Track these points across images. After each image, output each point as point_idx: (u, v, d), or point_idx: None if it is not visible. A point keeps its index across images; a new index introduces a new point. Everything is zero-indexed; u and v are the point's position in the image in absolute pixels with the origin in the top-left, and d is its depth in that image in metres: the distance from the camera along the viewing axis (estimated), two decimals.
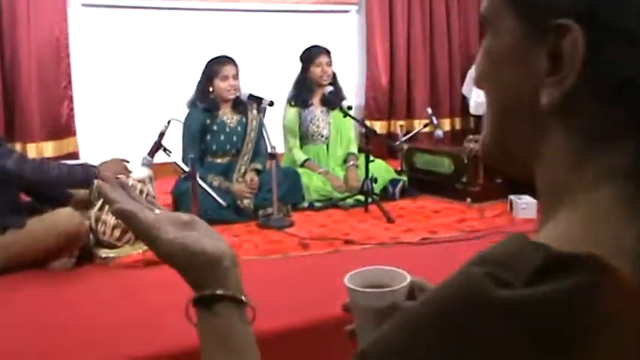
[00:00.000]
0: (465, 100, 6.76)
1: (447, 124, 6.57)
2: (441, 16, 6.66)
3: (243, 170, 4.22)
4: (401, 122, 6.46)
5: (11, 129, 5.01)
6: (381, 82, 6.45)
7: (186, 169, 3.44)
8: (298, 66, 4.76)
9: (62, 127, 5.27)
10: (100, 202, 3.27)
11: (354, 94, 5.97)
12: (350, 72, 6.19)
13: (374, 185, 4.28)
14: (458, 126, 6.87)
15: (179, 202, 4.02)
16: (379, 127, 6.40)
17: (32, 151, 4.99)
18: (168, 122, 3.56)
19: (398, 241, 3.61)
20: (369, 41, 6.41)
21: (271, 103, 4.01)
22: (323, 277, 2.85)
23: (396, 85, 6.52)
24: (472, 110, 6.59)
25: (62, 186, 3.27)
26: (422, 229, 3.85)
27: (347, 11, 6.44)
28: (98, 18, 5.42)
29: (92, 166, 3.32)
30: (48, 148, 5.18)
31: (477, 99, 6.51)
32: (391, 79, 6.51)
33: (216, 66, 4.17)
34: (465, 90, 6.73)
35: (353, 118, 4.46)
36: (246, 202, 4.07)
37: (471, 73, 6.61)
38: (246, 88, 4.21)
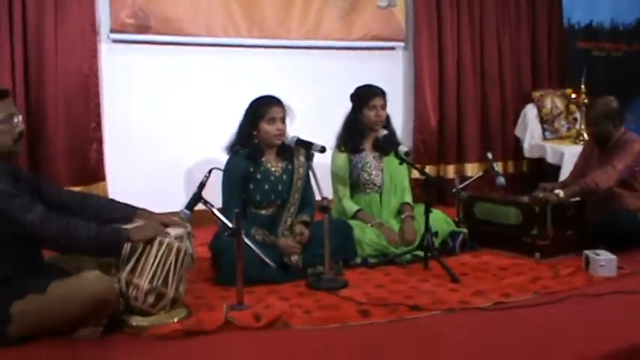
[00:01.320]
0: (518, 142, 6.48)
1: (499, 167, 6.22)
2: (493, 52, 6.41)
3: (289, 223, 3.97)
4: (450, 166, 6.30)
5: (36, 172, 4.72)
6: (430, 122, 6.21)
7: (230, 225, 3.11)
8: (342, 106, 4.55)
9: (90, 172, 5.05)
10: (131, 263, 2.94)
11: (400, 136, 5.68)
12: (396, 112, 5.92)
13: (434, 239, 4.06)
14: (511, 169, 6.58)
15: (219, 258, 3.78)
16: (428, 171, 6.08)
17: None
18: (209, 172, 3.31)
19: (468, 306, 3.31)
20: (416, 79, 6.18)
21: (323, 149, 3.76)
22: (389, 352, 2.71)
23: (445, 126, 6.28)
24: (526, 153, 6.35)
25: (87, 251, 2.92)
26: (492, 291, 3.54)
27: (393, 48, 6.19)
28: (130, 55, 5.21)
29: (124, 229, 2.97)
30: None
31: (530, 141, 6.25)
32: (440, 119, 6.28)
33: (263, 107, 3.94)
34: (518, 131, 6.47)
35: (411, 165, 4.27)
36: (294, 258, 3.82)
37: (525, 113, 6.33)
38: (290, 131, 4.04)
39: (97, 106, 5.05)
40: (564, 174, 5.24)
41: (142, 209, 3.23)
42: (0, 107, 2.80)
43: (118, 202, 3.26)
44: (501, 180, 4.65)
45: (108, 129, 5.15)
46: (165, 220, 3.13)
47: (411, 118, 6.26)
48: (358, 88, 4.51)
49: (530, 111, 6.35)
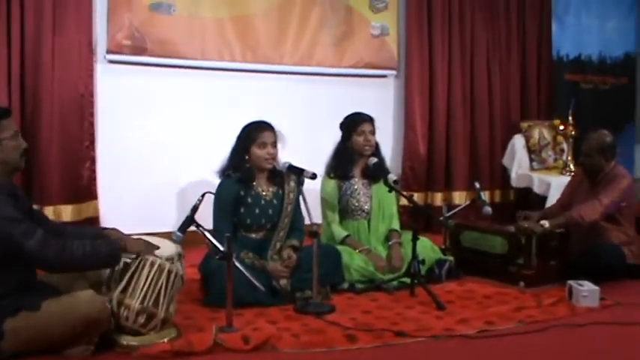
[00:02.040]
0: (505, 172, 6.55)
1: (486, 196, 6.27)
2: (483, 82, 6.51)
3: (278, 247, 4.02)
4: (438, 194, 6.35)
5: (29, 190, 4.80)
6: (419, 150, 6.28)
7: (222, 248, 3.17)
8: (333, 131, 4.60)
9: (82, 190, 5.07)
10: (123, 283, 2.99)
11: (390, 163, 5.74)
12: (386, 139, 5.99)
13: (421, 266, 4.09)
14: (498, 198, 6.65)
15: (209, 280, 3.81)
16: (416, 199, 6.11)
17: (50, 214, 4.74)
18: (202, 196, 3.36)
19: (453, 334, 3.37)
20: (407, 107, 6.26)
21: (314, 176, 3.80)
22: None
23: (434, 154, 6.35)
24: (513, 182, 6.40)
25: (87, 268, 2.98)
26: (477, 319, 3.59)
27: (385, 76, 6.28)
28: (126, 75, 5.26)
29: (117, 240, 3.03)
30: (67, 212, 4.97)
31: (518, 171, 6.32)
32: (430, 147, 6.35)
33: (254, 132, 3.99)
34: (505, 161, 6.54)
35: (400, 193, 4.28)
36: (282, 282, 3.87)
37: (513, 143, 6.41)
38: (281, 156, 4.08)
39: (91, 125, 5.08)
40: (550, 204, 5.29)
41: (113, 229, 3.29)
42: (7, 125, 2.88)
43: (85, 228, 3.32)
44: (488, 209, 4.71)
45: (101, 148, 5.17)
46: (151, 242, 3.18)
47: (400, 145, 6.32)
48: (347, 117, 4.57)
49: (518, 141, 6.43)
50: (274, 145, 4.00)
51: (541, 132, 6.49)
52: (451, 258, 4.52)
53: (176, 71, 5.40)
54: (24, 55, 4.80)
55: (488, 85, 6.54)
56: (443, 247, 4.76)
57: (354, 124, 4.48)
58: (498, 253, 4.42)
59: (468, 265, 4.54)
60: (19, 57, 4.77)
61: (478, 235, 4.60)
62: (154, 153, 5.36)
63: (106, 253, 2.91)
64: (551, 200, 5.47)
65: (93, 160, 5.12)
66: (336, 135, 4.59)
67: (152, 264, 3.01)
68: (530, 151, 6.42)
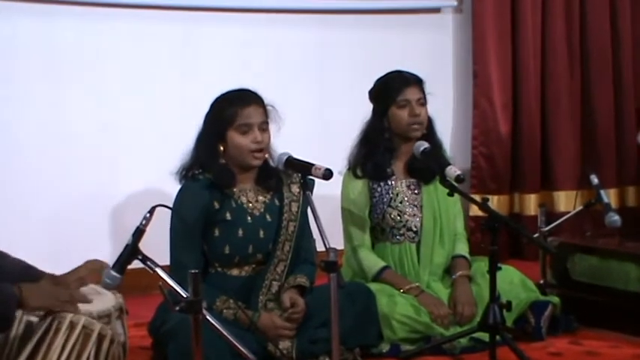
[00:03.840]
0: None
1: (612, 197, 6.26)
2: (603, 24, 6.52)
3: (275, 289, 4.02)
4: (531, 197, 6.35)
5: None
6: (499, 128, 6.30)
7: (183, 293, 3.14)
8: (357, 107, 4.63)
9: None
10: (25, 355, 2.97)
11: (450, 150, 5.71)
12: (444, 113, 5.95)
13: (505, 314, 4.06)
14: (631, 200, 6.70)
15: (165, 346, 3.77)
16: (495, 205, 6.15)
17: None
18: (151, 211, 3.27)
19: None
20: (476, 61, 6.28)
21: (327, 174, 3.72)
22: None
23: (522, 135, 6.38)
24: None
25: None
26: None
27: (438, 9, 6.32)
28: (17, 17, 5.25)
29: (10, 289, 3.03)
30: None
31: None
32: (515, 124, 6.39)
33: (231, 108, 3.97)
34: None
35: (467, 197, 4.33)
36: (283, 345, 3.87)
37: None
38: (279, 147, 4.06)
39: None
40: None
41: (51, 275, 3.31)
42: None
43: (28, 265, 3.34)
44: (614, 218, 4.68)
45: None
46: (77, 291, 3.18)
47: (467, 121, 6.36)
48: (380, 80, 4.57)
49: None
50: (264, 127, 3.99)
51: None
52: (556, 299, 4.50)
53: (103, 12, 5.42)
54: None
55: (611, 23, 6.55)
56: (541, 281, 4.76)
57: (394, 90, 4.47)
58: (635, 290, 4.41)
59: (584, 310, 4.54)
60: None
61: (599, 262, 4.60)
62: (71, 148, 5.37)
63: None
64: None
65: None
66: (364, 110, 4.60)
67: (72, 325, 2.99)
68: None
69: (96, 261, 3.34)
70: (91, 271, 3.28)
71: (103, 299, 3.16)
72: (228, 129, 3.96)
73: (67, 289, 3.16)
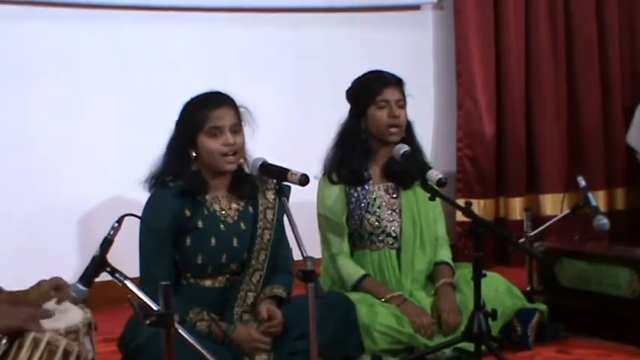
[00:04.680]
0: (631, 157, 6.61)
1: (600, 199, 6.32)
2: (587, 15, 6.59)
3: (250, 300, 4.06)
4: (516, 200, 6.39)
5: None
6: (483, 129, 6.35)
7: (154, 306, 3.18)
8: (333, 108, 4.67)
9: None
10: None
11: (431, 153, 5.79)
12: (424, 113, 6.07)
13: (490, 323, 4.10)
14: (620, 203, 6.75)
15: None
16: (479, 209, 6.25)
17: None
18: (120, 221, 3.29)
19: None
20: (459, 59, 6.33)
21: (303, 180, 3.74)
22: None
23: (507, 135, 6.44)
24: None
25: None
26: None
27: (418, 7, 6.38)
28: None
29: None
30: None
31: None
32: (500, 123, 6.44)
33: (201, 111, 4.01)
34: (631, 138, 6.52)
35: (449, 201, 4.37)
36: (260, 358, 3.90)
37: None
38: (253, 152, 4.09)
39: None
40: None
41: (9, 292, 3.34)
42: None
43: None
44: (603, 221, 4.73)
45: None
46: (39, 308, 3.19)
47: (450, 123, 6.42)
48: (358, 80, 4.62)
49: None
50: (236, 130, 4.02)
51: None
52: (543, 307, 4.56)
53: (68, 13, 5.47)
54: None
55: (597, 19, 6.62)
56: (528, 288, 4.81)
57: (372, 90, 4.52)
58: (625, 296, 4.46)
59: (572, 318, 4.59)
60: None
61: (588, 267, 4.64)
62: (34, 155, 5.39)
63: None
64: None
65: None
66: (341, 112, 4.65)
67: (36, 342, 2.97)
68: None
69: (54, 279, 3.31)
70: (41, 293, 3.25)
71: (70, 314, 3.15)
72: (199, 133, 3.99)
73: (28, 306, 3.16)
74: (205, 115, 3.99)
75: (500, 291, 4.48)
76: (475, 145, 6.38)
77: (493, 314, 4.07)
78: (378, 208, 4.57)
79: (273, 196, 4.11)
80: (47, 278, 3.31)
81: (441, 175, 4.17)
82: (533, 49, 6.48)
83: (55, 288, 3.24)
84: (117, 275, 3.17)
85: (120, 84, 5.55)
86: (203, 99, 4.08)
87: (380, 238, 4.57)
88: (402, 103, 4.55)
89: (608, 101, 6.71)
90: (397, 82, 4.59)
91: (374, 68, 4.67)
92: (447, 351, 4.24)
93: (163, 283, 3.13)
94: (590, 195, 4.91)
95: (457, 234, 5.42)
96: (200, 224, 4.04)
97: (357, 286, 4.43)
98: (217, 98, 4.07)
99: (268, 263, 4.11)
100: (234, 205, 4.14)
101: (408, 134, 4.59)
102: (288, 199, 3.85)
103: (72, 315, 3.18)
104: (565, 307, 4.66)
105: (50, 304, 3.23)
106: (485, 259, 4.32)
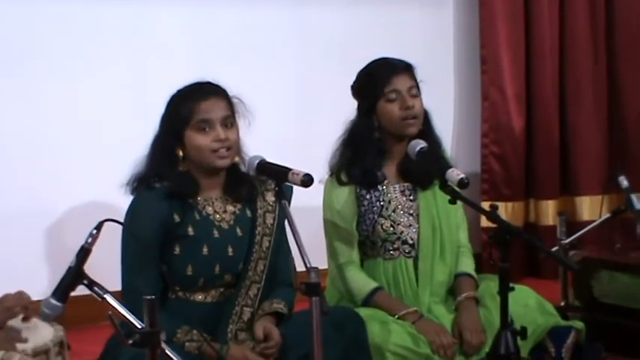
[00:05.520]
0: None
1: None
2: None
3: (247, 316, 4.02)
4: (549, 203, 6.40)
5: None
6: (511, 123, 6.36)
7: (138, 324, 3.13)
8: (341, 102, 4.65)
9: None
10: None
11: (451, 150, 5.73)
12: (444, 105, 6.06)
13: (519, 343, 4.03)
14: None
15: None
16: (506, 213, 6.25)
17: None
18: (98, 227, 3.27)
19: None
20: (484, 46, 6.35)
21: (306, 180, 3.71)
22: None
23: (539, 131, 6.45)
24: None
25: None
26: None
27: None
28: None
29: None
30: None
31: None
32: (530, 118, 6.45)
33: (188, 104, 3.97)
34: None
35: (472, 204, 4.34)
36: None
37: None
38: (250, 149, 4.07)
39: None
40: None
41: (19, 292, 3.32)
42: None
43: None
44: None
45: None
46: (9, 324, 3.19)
47: (474, 116, 6.42)
48: (363, 71, 4.57)
49: None
50: (228, 123, 3.98)
51: None
52: (579, 324, 4.49)
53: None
54: None
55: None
56: (562, 304, 4.79)
57: (379, 81, 4.47)
58: None
59: (612, 337, 4.56)
60: None
61: (630, 280, 4.64)
62: (1, 158, 5.39)
63: None
64: None
65: None
66: (351, 104, 4.60)
67: None
68: None
69: (19, 294, 3.33)
70: (5, 309, 3.27)
71: (39, 333, 3.16)
72: (186, 128, 3.95)
73: None
74: (192, 107, 3.95)
75: (531, 306, 4.42)
76: (502, 141, 6.38)
77: (522, 333, 4.03)
78: (393, 211, 4.53)
79: (273, 199, 4.06)
80: (11, 292, 3.30)
81: (462, 175, 4.12)
82: (568, 32, 6.49)
83: (23, 305, 3.23)
84: (95, 289, 3.16)
85: (95, 79, 5.56)
86: (190, 90, 4.04)
87: (395, 246, 4.53)
88: (414, 92, 4.49)
89: None
90: (406, 68, 4.54)
91: (386, 54, 4.61)
92: None
93: (148, 297, 3.13)
94: (633, 197, 4.89)
95: (481, 242, 5.33)
96: (190, 230, 4.00)
97: (367, 301, 4.40)
98: (206, 88, 4.03)
99: (267, 275, 4.07)
100: (229, 208, 4.09)
101: (426, 126, 4.55)
102: (289, 202, 3.84)
103: (41, 333, 3.21)
104: (604, 325, 4.63)
105: (16, 321, 3.24)
106: (514, 270, 4.30)
